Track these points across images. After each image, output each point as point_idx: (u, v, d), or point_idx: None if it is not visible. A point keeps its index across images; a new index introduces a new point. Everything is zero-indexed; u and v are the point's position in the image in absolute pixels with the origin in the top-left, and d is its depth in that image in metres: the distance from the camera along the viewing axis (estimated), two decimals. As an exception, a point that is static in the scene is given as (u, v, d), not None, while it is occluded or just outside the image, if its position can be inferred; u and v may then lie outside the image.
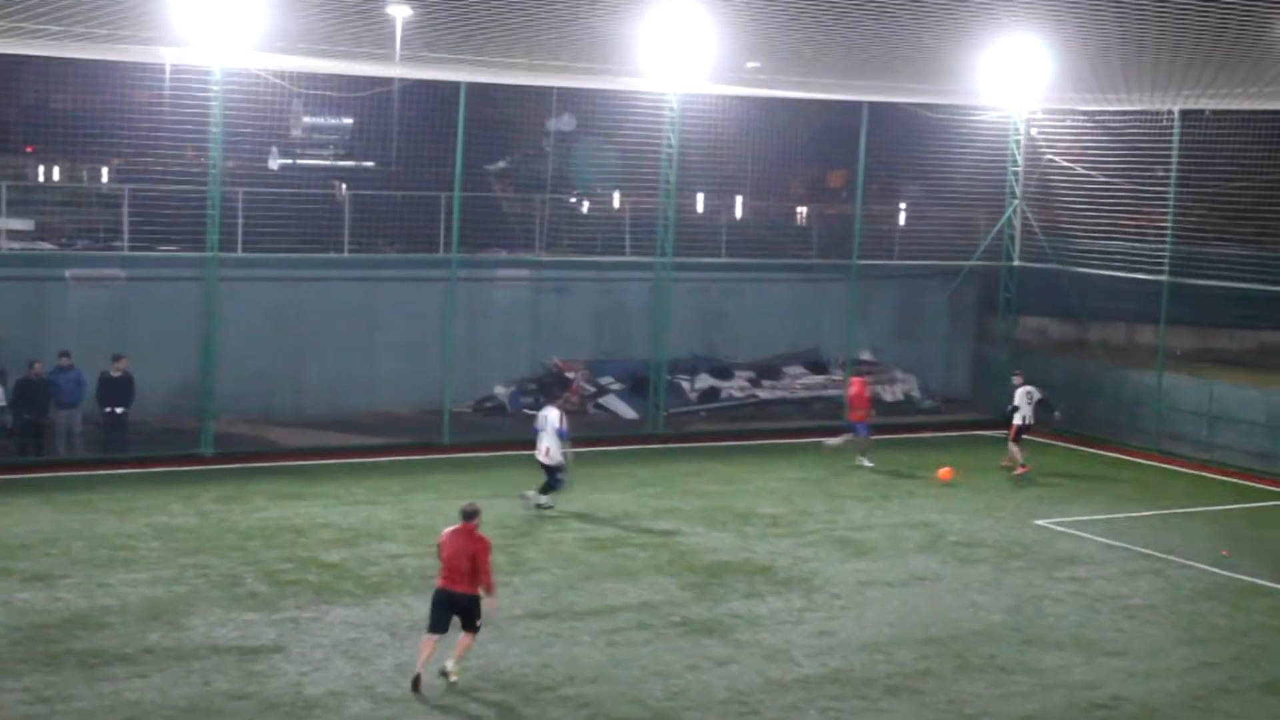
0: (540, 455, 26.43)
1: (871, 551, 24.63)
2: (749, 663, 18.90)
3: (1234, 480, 31.70)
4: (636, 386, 35.27)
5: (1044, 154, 37.81)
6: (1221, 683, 18.92)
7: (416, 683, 17.31)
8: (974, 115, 37.17)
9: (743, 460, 31.69)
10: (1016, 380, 31.99)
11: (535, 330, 35.87)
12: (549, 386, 34.70)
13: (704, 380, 36.68)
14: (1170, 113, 34.26)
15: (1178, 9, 20.34)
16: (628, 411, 35.05)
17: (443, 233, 33.18)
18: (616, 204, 40.51)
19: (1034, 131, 37.90)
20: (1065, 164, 37.09)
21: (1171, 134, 34.45)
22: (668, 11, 24.86)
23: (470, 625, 17.61)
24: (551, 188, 39.36)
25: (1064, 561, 24.53)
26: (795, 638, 19.96)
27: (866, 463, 31.31)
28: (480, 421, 33.87)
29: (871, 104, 35.89)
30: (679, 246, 34.87)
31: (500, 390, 35.09)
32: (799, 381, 37.76)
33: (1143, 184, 35.66)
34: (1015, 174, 38.19)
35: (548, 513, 26.07)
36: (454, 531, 17.68)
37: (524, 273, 36.00)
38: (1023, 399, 31.50)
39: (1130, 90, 31.14)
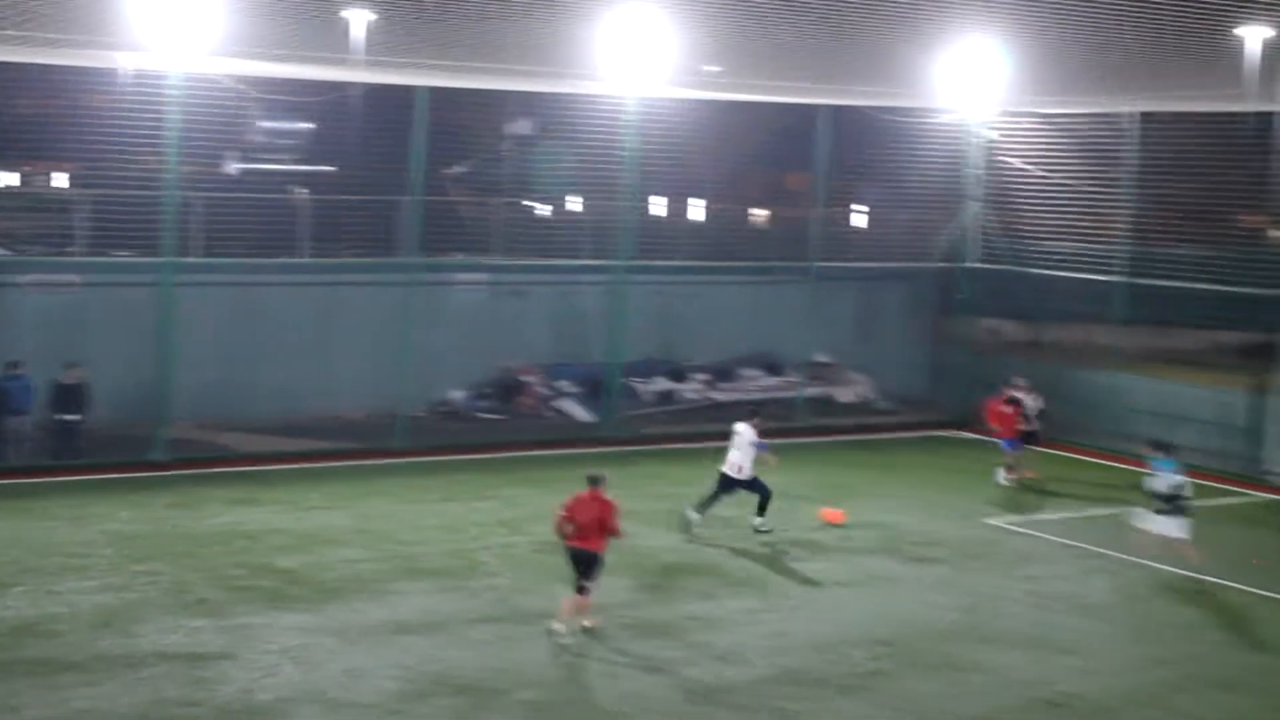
0: (732, 472, 25.82)
1: (826, 552, 24.68)
2: (702, 664, 18.92)
3: (1188, 479, 31.82)
4: (593, 390, 35.25)
5: (1001, 156, 37.95)
6: (1175, 680, 19.03)
7: (586, 630, 19.53)
8: (932, 118, 37.27)
9: (699, 462, 31.52)
10: (1019, 384, 31.88)
11: (492, 334, 35.77)
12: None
13: (660, 383, 36.69)
14: (1125, 115, 34.44)
15: (1134, 12, 20.46)
16: (584, 415, 35.02)
17: (401, 237, 33.11)
18: (575, 208, 40.50)
19: (992, 134, 38.03)
20: (1023, 166, 37.23)
21: (1130, 136, 34.62)
22: (626, 15, 24.89)
23: (582, 586, 19.45)
24: (510, 192, 39.31)
25: (1019, 561, 24.63)
26: (749, 638, 19.98)
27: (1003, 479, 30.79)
28: (436, 425, 33.80)
29: (830, 107, 35.97)
30: (637, 249, 34.88)
31: (456, 394, 35.03)
32: (755, 383, 37.78)
33: (1100, 186, 35.83)
34: (973, 176, 38.31)
35: (764, 534, 25.59)
36: (583, 496, 19.75)
37: (481, 277, 35.93)
38: (1033, 406, 31.63)
39: (1084, 93, 31.30)
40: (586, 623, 19.71)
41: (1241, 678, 19.20)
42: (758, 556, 24.19)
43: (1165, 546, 23.70)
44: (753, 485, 25.67)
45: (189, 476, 28.44)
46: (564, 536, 19.72)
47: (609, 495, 19.82)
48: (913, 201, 38.87)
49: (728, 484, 25.66)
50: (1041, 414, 31.74)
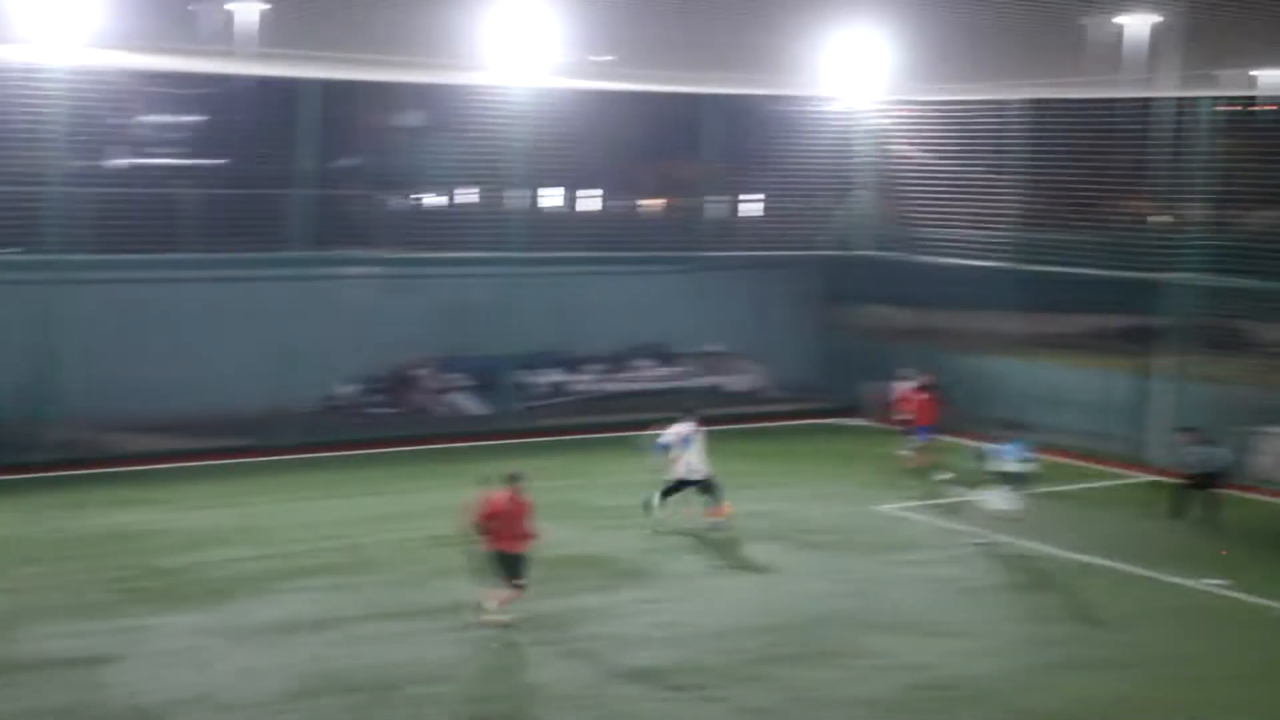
0: (683, 472, 25.83)
1: (715, 541, 24.81)
2: (595, 655, 18.99)
3: (1069, 461, 32.32)
4: (485, 382, 35.16)
5: (889, 144, 38.26)
6: (1055, 660, 19.31)
7: (502, 626, 19.56)
8: (820, 106, 37.50)
9: (592, 454, 31.74)
10: (907, 376, 32.09)
11: (382, 328, 35.51)
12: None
13: (553, 374, 36.66)
14: (1009, 101, 34.83)
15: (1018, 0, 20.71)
16: (477, 408, 34.95)
17: (290, 231, 32.87)
18: (465, 199, 40.34)
19: (876, 122, 38.33)
20: (911, 153, 37.57)
21: (1010, 123, 35.03)
22: (514, 6, 24.87)
23: (514, 583, 19.61)
24: (398, 184, 39.11)
25: (905, 546, 24.91)
26: (641, 629, 20.07)
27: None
28: (326, 421, 33.56)
29: (718, 96, 36.10)
30: (528, 241, 34.83)
31: (346, 389, 34.80)
32: (647, 374, 37.89)
33: (987, 173, 36.22)
34: (861, 164, 38.60)
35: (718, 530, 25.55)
36: (499, 495, 19.89)
37: (372, 270, 35.71)
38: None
39: (967, 80, 31.63)
40: (496, 614, 19.76)
41: (1122, 657, 19.51)
42: (650, 547, 24.29)
43: (999, 520, 24.61)
44: (694, 483, 25.82)
45: (73, 477, 28.11)
46: (482, 538, 19.78)
47: (525, 495, 20.04)
48: (803, 190, 39.07)
49: (684, 486, 25.83)
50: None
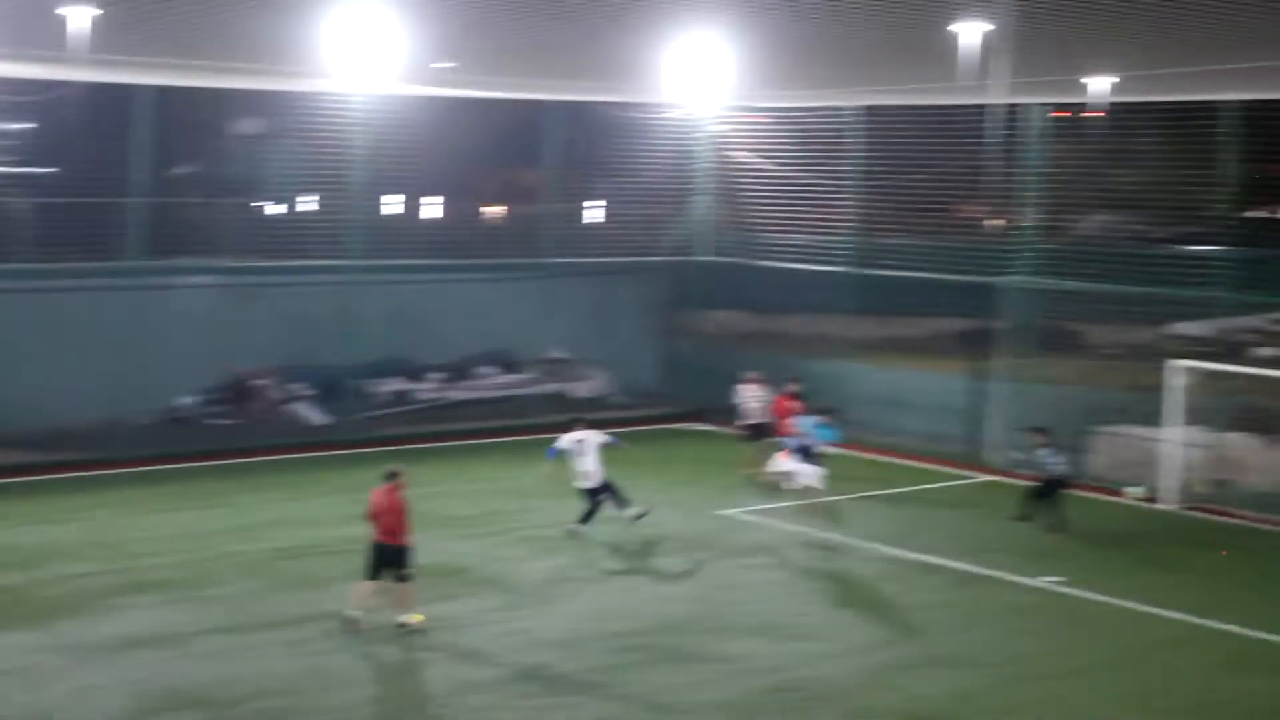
0: (581, 481, 25.77)
1: (561, 548, 24.85)
2: (443, 665, 18.94)
3: (910, 462, 32.81)
4: (327, 392, 34.86)
5: (731, 150, 38.59)
6: (898, 659, 19.60)
7: (354, 625, 19.91)
8: (661, 113, 37.72)
9: (435, 462, 31.60)
10: (751, 379, 32.08)
11: (222, 338, 35.07)
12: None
13: (395, 383, 36.44)
14: (848, 108, 35.32)
15: (849, 7, 20.91)
16: (319, 417, 34.62)
17: (126, 240, 32.35)
18: (306, 207, 39.98)
19: (719, 128, 38.65)
20: (752, 160, 37.91)
21: (850, 129, 35.51)
22: (353, 11, 24.62)
23: (400, 575, 20.13)
24: (238, 192, 38.66)
25: (750, 550, 25.11)
26: (488, 638, 20.04)
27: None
28: (166, 433, 33.05)
29: (562, 102, 36.17)
30: (369, 249, 34.61)
31: (186, 400, 34.31)
32: (491, 381, 37.82)
33: (826, 179, 36.68)
34: (703, 170, 38.88)
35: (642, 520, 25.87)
36: (379, 491, 20.45)
37: (211, 279, 35.24)
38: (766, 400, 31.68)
39: (807, 86, 31.95)
40: (409, 619, 20.12)
41: (966, 654, 19.86)
42: (497, 556, 24.25)
43: (799, 491, 25.97)
44: (600, 491, 25.77)
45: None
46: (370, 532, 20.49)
47: (401, 492, 20.56)
48: (645, 196, 39.28)
49: (592, 494, 25.71)
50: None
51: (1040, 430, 28.05)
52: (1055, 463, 27.54)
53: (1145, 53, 24.34)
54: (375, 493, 20.64)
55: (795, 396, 30.62)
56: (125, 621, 20.25)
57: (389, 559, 20.27)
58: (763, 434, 31.13)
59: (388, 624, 20.18)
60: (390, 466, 20.97)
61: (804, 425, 27.14)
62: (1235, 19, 19.85)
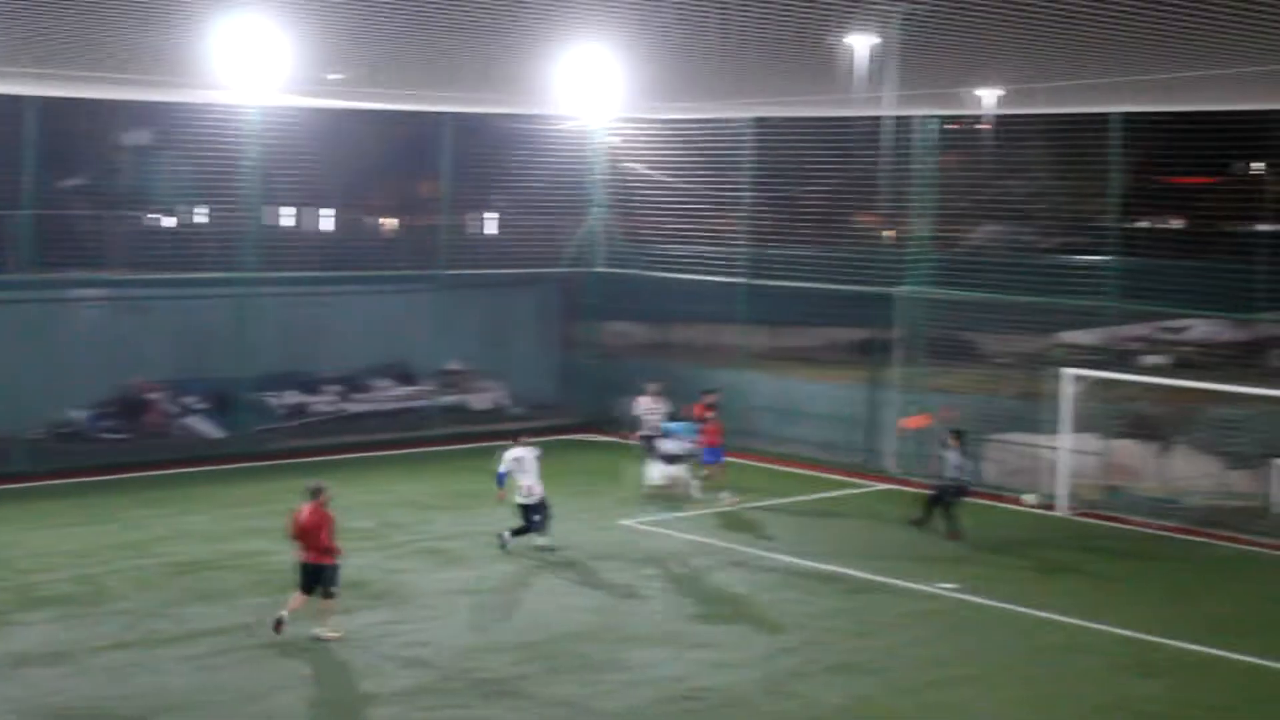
0: (520, 496, 25.38)
1: (461, 560, 24.78)
2: (342, 679, 18.82)
3: (806, 471, 33.03)
4: (221, 405, 34.52)
5: (624, 161, 38.69)
6: (797, 667, 19.72)
7: (278, 625, 19.89)
8: (555, 124, 37.76)
9: (332, 475, 30.98)
10: (649, 391, 31.81)
11: (114, 351, 34.68)
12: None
13: (291, 396, 36.16)
14: (741, 119, 35.54)
15: (739, 20, 21.05)
16: (213, 431, 34.27)
17: (13, 253, 31.86)
18: (198, 219, 39.61)
19: (613, 140, 38.75)
20: (645, 171, 38.03)
21: (742, 140, 35.74)
22: (242, 22, 24.44)
23: (326, 592, 20.12)
24: (129, 204, 38.22)
25: (650, 559, 25.16)
26: (388, 651, 19.93)
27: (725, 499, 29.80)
28: (57, 447, 32.60)
29: (455, 114, 36.10)
30: (263, 261, 34.34)
31: (78, 415, 33.85)
32: (388, 394, 37.62)
33: (717, 189, 36.88)
34: (597, 182, 38.96)
35: (548, 554, 25.18)
36: (304, 508, 20.30)
37: (101, 292, 34.82)
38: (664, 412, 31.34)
39: (699, 99, 32.10)
40: (326, 633, 20.13)
41: (864, 662, 20.01)
42: (397, 569, 24.13)
43: (668, 484, 26.90)
44: (540, 508, 25.45)
45: None
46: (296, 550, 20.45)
47: (328, 508, 20.49)
48: (540, 207, 39.32)
49: (527, 511, 25.37)
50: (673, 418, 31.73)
51: (956, 434, 28.17)
52: (960, 469, 27.72)
53: (1032, 65, 24.68)
54: (299, 510, 20.47)
55: (712, 408, 30.55)
56: (17, 639, 19.94)
57: (315, 577, 20.23)
58: (705, 450, 30.78)
59: (301, 636, 20.04)
60: (313, 482, 20.82)
61: (671, 430, 27.39)
62: (1117, 33, 20.21)
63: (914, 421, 29.98)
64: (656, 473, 29.50)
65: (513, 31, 22.90)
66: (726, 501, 29.45)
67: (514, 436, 26.22)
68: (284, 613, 20.11)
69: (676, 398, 32.51)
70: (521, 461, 25.46)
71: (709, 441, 30.14)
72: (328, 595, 20.25)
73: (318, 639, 20.02)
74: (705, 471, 29.98)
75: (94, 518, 26.95)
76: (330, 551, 20.26)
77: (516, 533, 25.34)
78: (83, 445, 33.00)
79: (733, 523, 28.08)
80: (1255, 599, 23.95)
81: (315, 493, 20.49)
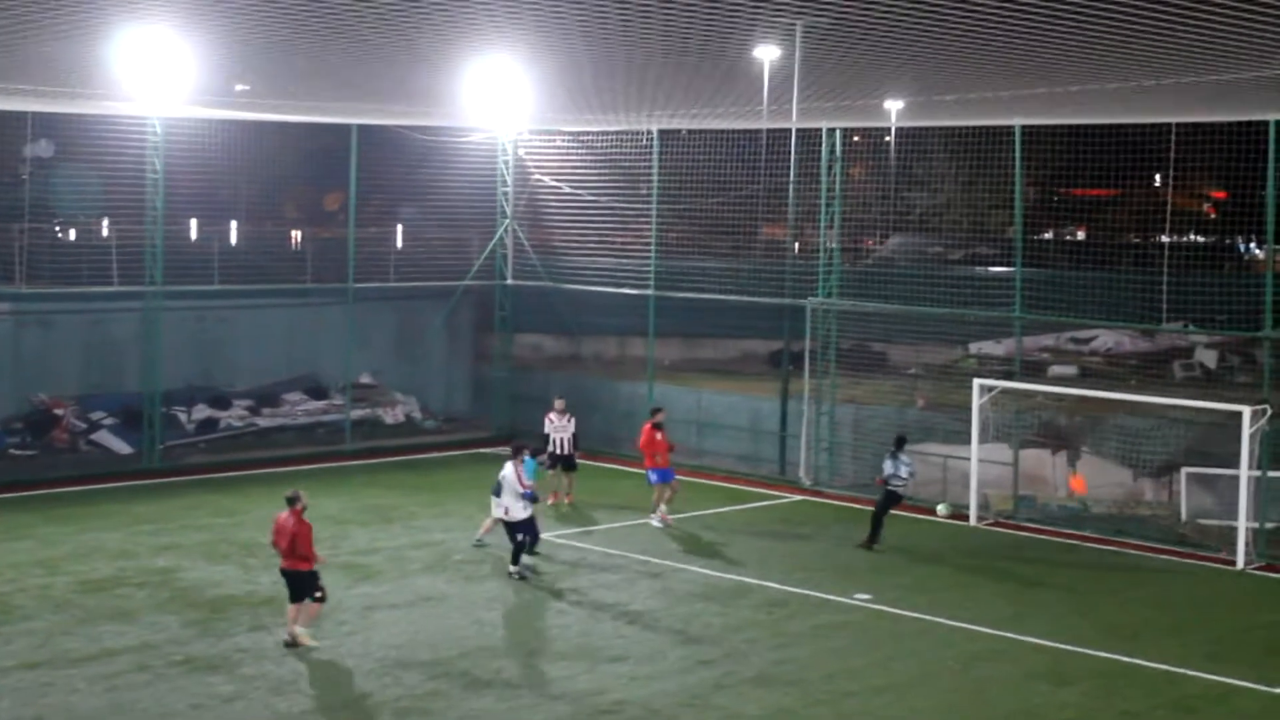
0: (499, 514, 25.05)
1: (376, 575, 24.61)
2: (256, 697, 18.62)
3: (723, 484, 33.11)
4: (130, 420, 34.13)
5: (532, 174, 38.68)
6: (715, 679, 19.73)
7: (293, 642, 20.40)
8: (463, 137, 37.70)
9: (244, 490, 31.12)
10: (557, 408, 31.10)
11: (18, 366, 34.26)
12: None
13: (201, 410, 35.81)
14: (649, 132, 35.63)
15: (643, 32, 21.11)
16: (122, 446, 33.87)
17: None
18: (103, 233, 39.16)
19: (521, 152, 38.73)
20: (553, 183, 38.03)
21: (651, 153, 35.83)
22: (146, 34, 24.22)
23: (310, 596, 20.48)
24: (30, 216, 37.69)
25: (567, 573, 25.10)
26: (302, 668, 19.78)
27: (654, 521, 29.12)
28: (-38, 465, 32.17)
29: (363, 126, 35.94)
30: (170, 274, 33.99)
31: (-18, 431, 33.44)
32: (299, 408, 37.34)
33: (627, 201, 36.95)
34: (505, 194, 38.90)
35: (530, 575, 24.60)
36: (283, 516, 20.58)
37: (3, 306, 34.35)
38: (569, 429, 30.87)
39: (608, 111, 32.17)
40: (304, 637, 20.48)
41: (778, 673, 20.06)
42: (308, 583, 23.90)
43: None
44: (524, 526, 24.83)
45: None
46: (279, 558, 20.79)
47: (306, 516, 20.71)
48: (450, 220, 39.20)
49: (510, 529, 24.83)
50: (575, 438, 31.00)
51: (900, 441, 28.13)
52: (903, 478, 27.70)
53: (933, 78, 24.95)
54: (279, 518, 20.71)
55: (659, 427, 29.44)
56: (-77, 660, 19.62)
57: (298, 584, 20.51)
58: (568, 463, 30.67)
59: (194, 658, 19.85)
60: (290, 490, 20.97)
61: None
62: (1015, 46, 20.48)
63: (1079, 485, 29.01)
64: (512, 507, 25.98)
65: (420, 44, 22.87)
66: (661, 519, 29.01)
67: (515, 450, 25.59)
68: (295, 629, 20.50)
69: (588, 410, 32.56)
70: (505, 479, 24.99)
71: (662, 463, 29.21)
72: (314, 599, 20.57)
73: (291, 643, 20.36)
74: (669, 493, 29.22)
75: (0, 535, 26.52)
76: (308, 558, 20.45)
77: (516, 558, 24.68)
78: (-12, 462, 32.56)
79: (650, 536, 28.08)
80: (1166, 606, 24.24)
81: (292, 500, 20.66)
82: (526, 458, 25.85)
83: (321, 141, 44.65)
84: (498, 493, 25.15)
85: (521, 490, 24.83)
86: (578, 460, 31.11)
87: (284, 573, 20.71)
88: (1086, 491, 28.53)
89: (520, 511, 24.75)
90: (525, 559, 24.82)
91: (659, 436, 29.22)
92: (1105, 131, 35.49)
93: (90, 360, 35.13)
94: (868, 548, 27.32)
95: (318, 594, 20.64)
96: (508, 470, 25.00)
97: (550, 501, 29.99)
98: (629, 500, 31.00)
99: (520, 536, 24.69)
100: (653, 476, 29.31)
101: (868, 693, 19.37)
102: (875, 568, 26.12)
